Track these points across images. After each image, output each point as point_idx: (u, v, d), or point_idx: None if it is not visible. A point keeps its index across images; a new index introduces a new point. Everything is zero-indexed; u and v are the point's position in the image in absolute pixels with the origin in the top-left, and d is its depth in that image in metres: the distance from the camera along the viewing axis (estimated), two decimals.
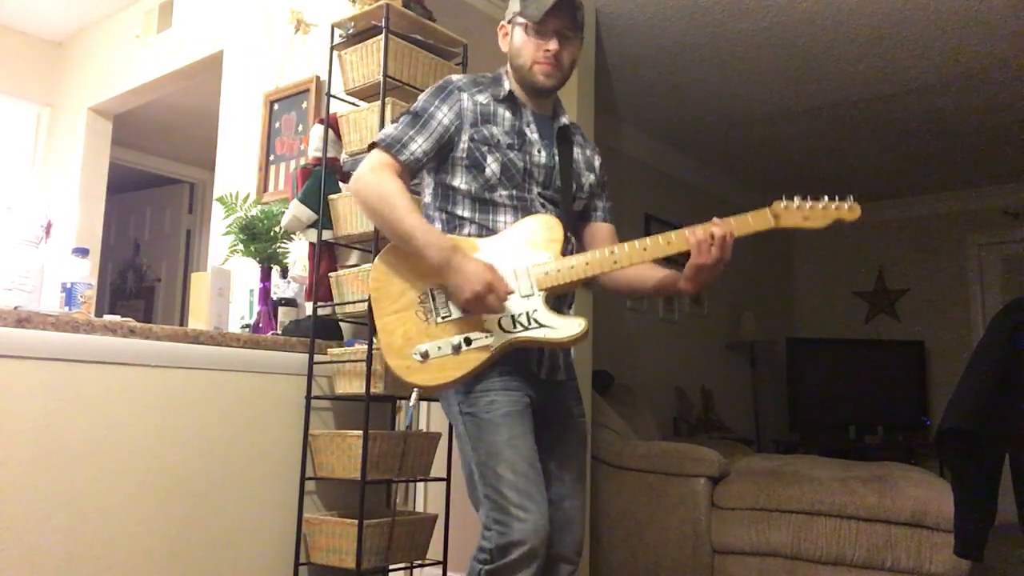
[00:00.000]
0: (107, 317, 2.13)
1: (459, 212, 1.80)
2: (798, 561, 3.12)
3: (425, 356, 1.69)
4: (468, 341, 1.68)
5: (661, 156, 5.50)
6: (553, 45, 1.79)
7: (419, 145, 1.77)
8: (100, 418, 2.02)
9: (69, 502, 1.94)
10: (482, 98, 1.82)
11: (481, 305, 1.64)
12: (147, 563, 2.07)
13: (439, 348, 1.69)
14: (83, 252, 2.26)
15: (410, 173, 1.80)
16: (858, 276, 6.64)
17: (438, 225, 1.82)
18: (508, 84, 1.86)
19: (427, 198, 1.89)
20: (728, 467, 3.43)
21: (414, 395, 1.79)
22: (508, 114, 1.83)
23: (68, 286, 2.19)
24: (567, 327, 1.69)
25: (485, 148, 1.78)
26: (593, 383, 3.50)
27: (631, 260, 1.73)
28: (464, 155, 1.79)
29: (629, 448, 3.56)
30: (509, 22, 1.87)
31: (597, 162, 1.99)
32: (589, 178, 1.94)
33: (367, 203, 1.77)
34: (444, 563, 2.49)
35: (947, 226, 6.36)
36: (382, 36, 2.41)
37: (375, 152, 1.80)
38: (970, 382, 1.90)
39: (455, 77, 1.86)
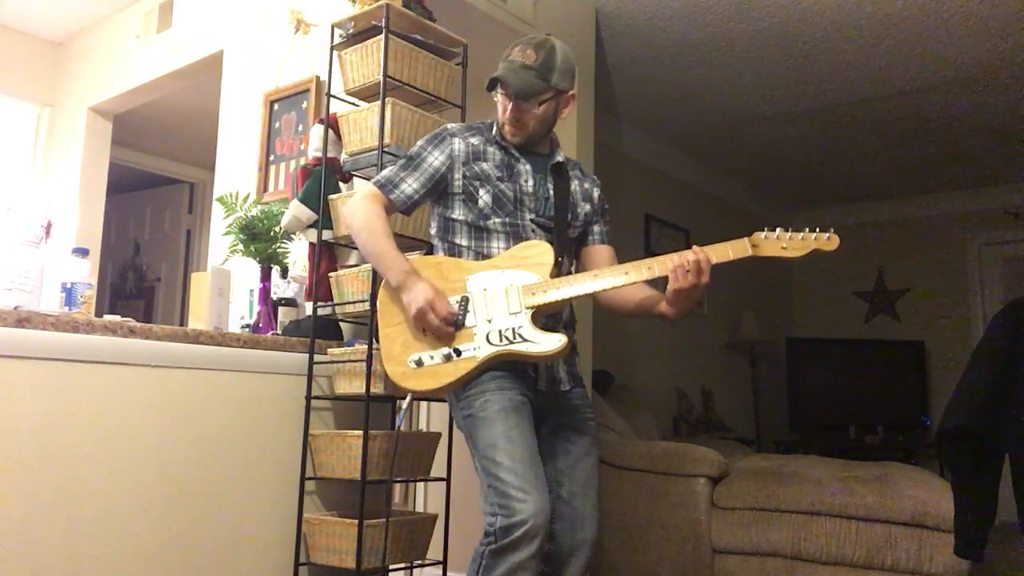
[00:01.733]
0: (107, 317, 2.13)
1: (458, 240, 1.98)
2: (798, 561, 3.12)
3: (419, 363, 1.85)
4: (458, 352, 1.84)
5: (661, 156, 5.50)
6: (509, 111, 1.96)
7: (409, 185, 1.97)
8: (100, 418, 2.02)
9: (69, 502, 1.94)
10: (474, 140, 2.00)
11: (424, 322, 1.83)
12: (147, 563, 2.07)
13: (432, 357, 1.85)
14: (83, 252, 2.26)
15: (401, 210, 2.00)
16: (858, 276, 6.64)
17: (441, 253, 2.00)
18: (498, 129, 2.02)
19: (432, 229, 2.07)
20: (728, 467, 3.43)
21: (408, 399, 1.95)
22: (498, 152, 2.00)
23: (68, 286, 2.19)
24: (547, 342, 1.82)
25: (477, 182, 1.96)
26: (593, 383, 3.50)
27: (614, 284, 1.85)
28: (460, 190, 1.97)
29: (629, 448, 3.56)
30: None
31: (596, 193, 2.13)
32: (585, 208, 2.08)
33: (352, 227, 1.99)
34: (444, 563, 2.49)
35: (947, 226, 6.35)
36: (382, 36, 2.41)
37: (369, 185, 2.02)
38: (970, 382, 1.90)
39: (450, 125, 2.05)
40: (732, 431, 5.56)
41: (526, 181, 1.98)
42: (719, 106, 4.76)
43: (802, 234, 1.82)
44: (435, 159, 1.98)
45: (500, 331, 1.83)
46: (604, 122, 4.48)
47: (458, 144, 1.99)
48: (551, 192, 2.01)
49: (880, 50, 3.97)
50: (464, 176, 1.97)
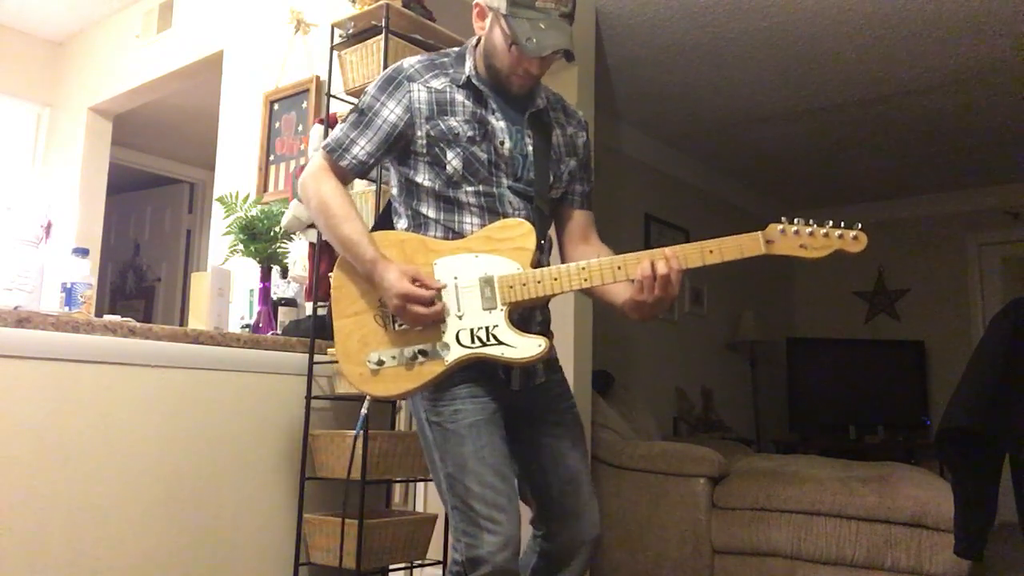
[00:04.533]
0: (107, 317, 2.13)
1: (424, 211, 1.71)
2: (798, 561, 3.12)
3: (380, 364, 1.64)
4: (424, 353, 1.61)
5: (661, 156, 5.49)
6: (536, 69, 1.67)
7: (361, 148, 1.69)
8: (100, 418, 2.02)
9: (69, 502, 1.94)
10: (438, 84, 1.69)
11: (406, 316, 1.60)
12: (147, 563, 2.07)
13: (393, 358, 1.63)
14: (83, 252, 2.26)
15: (357, 175, 1.75)
16: (858, 276, 6.63)
17: (404, 222, 1.74)
18: (470, 66, 1.71)
19: (393, 190, 1.79)
20: (728, 467, 3.43)
21: (366, 403, 1.80)
22: (468, 101, 1.69)
23: (68, 286, 2.19)
24: (526, 347, 1.60)
25: (444, 143, 1.66)
26: (593, 383, 3.50)
27: (602, 279, 1.62)
28: (423, 151, 1.68)
29: (629, 448, 3.56)
30: (490, 8, 1.66)
31: (581, 141, 1.85)
32: (570, 164, 1.80)
33: (309, 209, 1.75)
34: (444, 563, 2.49)
35: (947, 226, 6.35)
36: (382, 36, 2.41)
37: (317, 155, 1.75)
38: (970, 382, 1.90)
39: (407, 63, 1.72)
40: (732, 431, 5.56)
41: (502, 142, 1.68)
42: (719, 106, 4.75)
43: (824, 229, 1.60)
44: (390, 113, 1.67)
45: (472, 330, 1.61)
46: (604, 122, 4.48)
47: (417, 91, 1.67)
48: (530, 149, 1.71)
49: (880, 50, 3.97)
50: (428, 135, 1.66)
